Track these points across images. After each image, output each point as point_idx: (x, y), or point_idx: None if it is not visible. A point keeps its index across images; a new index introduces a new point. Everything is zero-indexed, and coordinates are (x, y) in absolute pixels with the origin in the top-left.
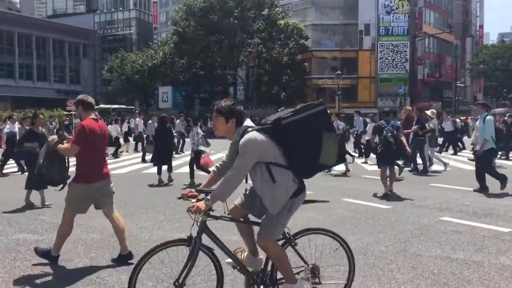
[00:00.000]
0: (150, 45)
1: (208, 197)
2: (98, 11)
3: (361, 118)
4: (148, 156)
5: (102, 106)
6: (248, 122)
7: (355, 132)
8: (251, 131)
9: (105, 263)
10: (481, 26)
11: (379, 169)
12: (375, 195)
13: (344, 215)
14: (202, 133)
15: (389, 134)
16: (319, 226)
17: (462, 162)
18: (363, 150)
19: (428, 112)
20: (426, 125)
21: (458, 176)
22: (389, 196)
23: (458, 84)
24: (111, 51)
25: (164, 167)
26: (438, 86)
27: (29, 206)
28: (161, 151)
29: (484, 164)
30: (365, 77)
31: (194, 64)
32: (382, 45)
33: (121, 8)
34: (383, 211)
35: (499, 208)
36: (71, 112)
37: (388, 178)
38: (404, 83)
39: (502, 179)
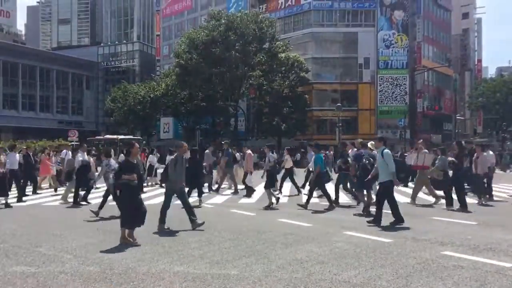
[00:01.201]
0: (152, 77)
1: None
2: (102, 44)
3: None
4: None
5: (108, 136)
6: None
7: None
8: None
9: None
10: (480, 60)
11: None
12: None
13: (345, 249)
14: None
15: (367, 162)
16: (319, 260)
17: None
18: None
19: (369, 145)
20: (349, 159)
21: (459, 210)
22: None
23: (457, 117)
24: (114, 83)
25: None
26: (437, 118)
27: (130, 244)
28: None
29: (384, 196)
30: (365, 109)
31: (196, 95)
32: (381, 78)
33: (124, 41)
34: (384, 245)
35: (501, 242)
36: (72, 143)
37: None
38: (404, 115)
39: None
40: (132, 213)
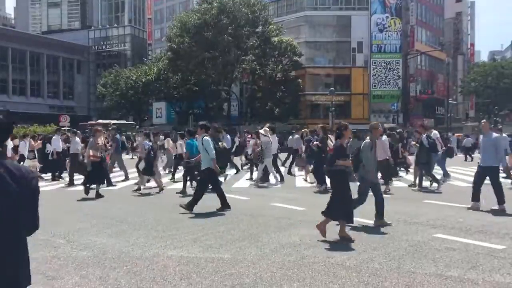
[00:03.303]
0: (144, 61)
1: None
2: (92, 27)
3: (228, 136)
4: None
5: (101, 121)
6: None
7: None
8: None
9: (96, 282)
10: (472, 44)
11: None
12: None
13: (338, 232)
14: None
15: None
16: (312, 243)
17: (455, 179)
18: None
19: (261, 131)
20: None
21: (452, 193)
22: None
23: (450, 101)
24: (105, 67)
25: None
26: (430, 103)
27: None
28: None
29: (206, 183)
30: (358, 94)
31: (188, 80)
32: (374, 62)
33: (116, 25)
34: (377, 228)
35: (492, 225)
36: (64, 128)
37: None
38: (397, 99)
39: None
40: (348, 204)
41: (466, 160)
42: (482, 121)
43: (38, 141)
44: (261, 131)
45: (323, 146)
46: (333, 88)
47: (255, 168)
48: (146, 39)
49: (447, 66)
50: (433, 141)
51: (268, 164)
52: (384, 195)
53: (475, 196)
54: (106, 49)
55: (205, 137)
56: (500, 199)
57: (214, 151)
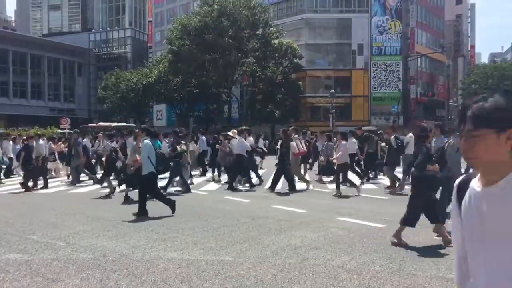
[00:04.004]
0: (145, 63)
1: None
2: (93, 30)
3: (204, 138)
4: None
5: (101, 124)
6: None
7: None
8: None
9: (97, 284)
10: (473, 46)
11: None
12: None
13: (339, 234)
14: None
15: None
16: (313, 245)
17: None
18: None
19: (230, 133)
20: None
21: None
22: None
23: (450, 103)
24: (106, 70)
25: None
26: (431, 105)
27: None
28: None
29: (146, 188)
30: (359, 96)
31: (188, 82)
32: (375, 65)
33: (116, 27)
34: (378, 230)
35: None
36: (65, 130)
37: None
38: (397, 102)
39: (170, 205)
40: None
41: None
42: (434, 124)
43: (60, 143)
44: (230, 133)
45: (284, 150)
46: (333, 90)
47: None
48: (147, 41)
49: (448, 68)
50: (401, 143)
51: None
52: (380, 197)
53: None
54: (106, 52)
55: (145, 141)
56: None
57: (148, 156)
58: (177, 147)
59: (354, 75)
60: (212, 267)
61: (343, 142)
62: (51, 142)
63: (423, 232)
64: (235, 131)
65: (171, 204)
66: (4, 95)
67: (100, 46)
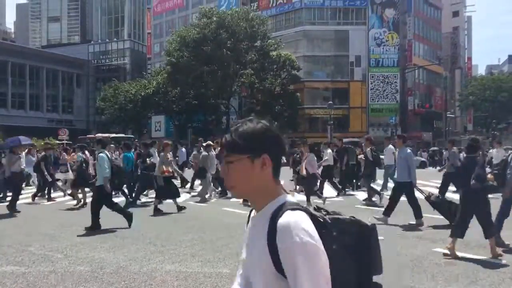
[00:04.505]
0: (143, 75)
1: None
2: (92, 42)
3: (183, 149)
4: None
5: (99, 135)
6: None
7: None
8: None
9: None
10: (470, 58)
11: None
12: None
13: None
14: None
15: None
16: None
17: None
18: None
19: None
20: None
21: None
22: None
23: (448, 115)
24: (104, 81)
25: None
26: (428, 116)
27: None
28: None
29: (102, 200)
30: (357, 107)
31: (187, 93)
32: (372, 76)
33: (115, 39)
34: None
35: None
36: (63, 142)
37: None
38: (395, 113)
39: (126, 216)
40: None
41: None
42: (396, 136)
43: (74, 154)
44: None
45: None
46: (331, 102)
47: None
48: (146, 53)
49: (445, 80)
50: (377, 155)
51: (208, 178)
52: (376, 208)
53: (388, 210)
54: (105, 63)
55: (100, 154)
56: (416, 213)
57: (108, 169)
58: (147, 159)
59: (352, 87)
60: (210, 280)
61: (311, 154)
62: (64, 153)
63: (420, 244)
64: (210, 143)
65: (128, 216)
66: (3, 106)
67: (99, 57)
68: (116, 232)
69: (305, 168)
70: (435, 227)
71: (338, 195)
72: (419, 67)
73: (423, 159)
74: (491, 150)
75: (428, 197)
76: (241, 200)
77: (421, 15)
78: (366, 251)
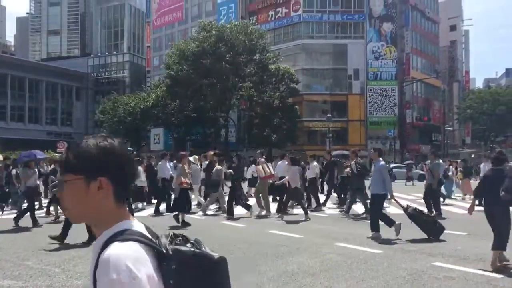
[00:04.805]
0: (143, 88)
1: None
2: (92, 55)
3: (170, 164)
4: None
5: None
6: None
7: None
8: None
9: None
10: (467, 72)
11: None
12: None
13: (336, 260)
14: None
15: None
16: (310, 272)
17: (452, 206)
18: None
19: (191, 158)
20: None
21: (449, 220)
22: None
23: (446, 128)
24: (104, 94)
25: None
26: (427, 129)
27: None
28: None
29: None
30: (355, 120)
31: (186, 106)
32: (371, 89)
33: (115, 52)
34: (375, 256)
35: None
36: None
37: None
38: (393, 126)
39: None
40: None
41: None
42: (372, 149)
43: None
44: (191, 158)
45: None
46: (330, 115)
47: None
48: (145, 66)
49: (443, 93)
50: (361, 167)
51: (196, 191)
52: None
53: (374, 226)
54: (105, 76)
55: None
56: (374, 226)
57: None
58: None
59: (350, 100)
60: None
61: (293, 167)
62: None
63: (420, 259)
64: (196, 157)
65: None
66: (2, 119)
67: (98, 70)
68: None
69: (288, 181)
70: (434, 241)
71: (315, 209)
72: (417, 81)
73: (422, 172)
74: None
75: (405, 209)
76: (242, 213)
77: (419, 29)
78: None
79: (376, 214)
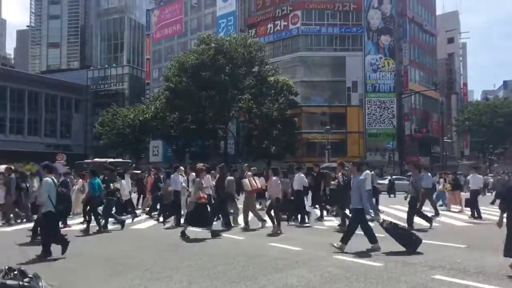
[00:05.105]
0: (142, 100)
1: None
2: (91, 67)
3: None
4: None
5: (97, 160)
6: None
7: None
8: None
9: None
10: (465, 84)
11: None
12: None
13: (336, 273)
14: None
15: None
16: (310, 285)
17: (453, 218)
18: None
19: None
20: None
21: (448, 232)
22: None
23: (445, 140)
24: (103, 106)
25: None
26: (425, 141)
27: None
28: None
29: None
30: (354, 132)
31: (185, 118)
32: (369, 101)
33: (114, 64)
34: (375, 269)
35: (491, 265)
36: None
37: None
38: (392, 138)
39: (63, 245)
40: None
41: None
42: (351, 163)
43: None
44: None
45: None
46: (329, 127)
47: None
48: (144, 78)
49: (441, 105)
50: (348, 179)
51: (183, 202)
52: (376, 234)
53: (344, 238)
54: (104, 88)
55: (45, 179)
56: (371, 238)
57: (54, 194)
58: (111, 184)
59: (349, 112)
60: None
61: (274, 178)
62: (80, 179)
63: (420, 272)
64: (182, 168)
65: (64, 244)
66: (1, 131)
67: (98, 82)
68: (111, 259)
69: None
70: (434, 253)
71: (301, 221)
72: (415, 93)
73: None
74: (468, 176)
75: (381, 224)
76: (241, 225)
77: (417, 41)
78: None
79: (365, 227)
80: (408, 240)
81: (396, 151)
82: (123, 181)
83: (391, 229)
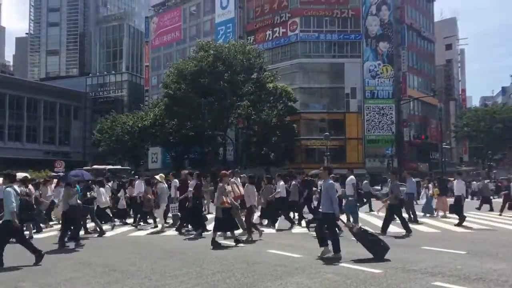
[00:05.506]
0: (141, 107)
1: None
2: (90, 74)
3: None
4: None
5: (96, 167)
6: None
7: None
8: None
9: None
10: (463, 90)
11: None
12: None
13: (335, 280)
14: None
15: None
16: None
17: (450, 224)
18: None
19: (157, 177)
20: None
21: (449, 239)
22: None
23: (444, 146)
24: (102, 113)
25: None
26: (424, 147)
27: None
28: None
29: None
30: (353, 138)
31: (184, 125)
32: (368, 108)
33: (113, 71)
34: (375, 276)
35: (491, 272)
36: (59, 174)
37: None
38: (391, 144)
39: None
40: None
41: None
42: (321, 168)
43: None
44: (157, 177)
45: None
46: (327, 133)
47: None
48: (143, 85)
49: (440, 111)
50: None
51: (161, 209)
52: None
53: (321, 241)
54: (103, 95)
55: (7, 188)
56: (335, 246)
57: (14, 204)
58: (88, 193)
59: (347, 118)
60: None
61: (249, 185)
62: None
63: (419, 278)
64: (163, 175)
65: (37, 253)
66: (0, 139)
67: (96, 89)
68: (111, 266)
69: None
70: (434, 260)
71: (291, 227)
72: (414, 99)
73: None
74: (453, 181)
75: (350, 229)
76: (239, 231)
77: (415, 48)
78: None
79: (334, 233)
80: (376, 246)
81: (395, 157)
82: (101, 189)
83: (360, 234)
